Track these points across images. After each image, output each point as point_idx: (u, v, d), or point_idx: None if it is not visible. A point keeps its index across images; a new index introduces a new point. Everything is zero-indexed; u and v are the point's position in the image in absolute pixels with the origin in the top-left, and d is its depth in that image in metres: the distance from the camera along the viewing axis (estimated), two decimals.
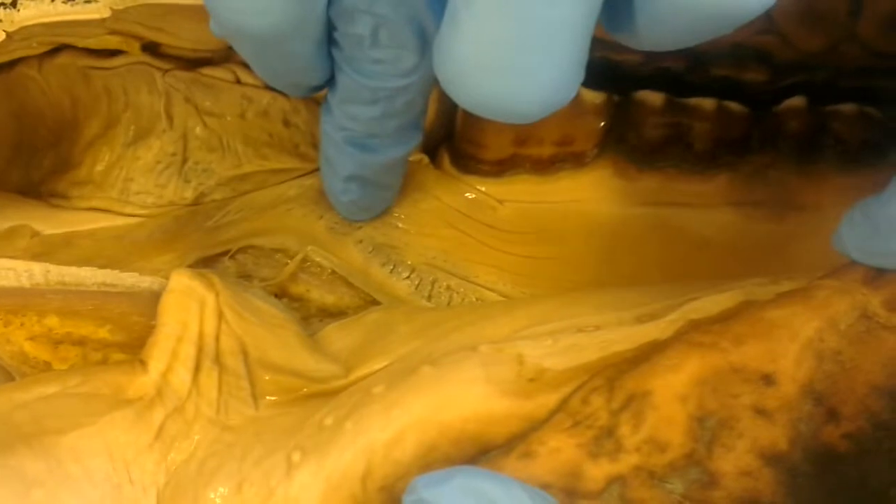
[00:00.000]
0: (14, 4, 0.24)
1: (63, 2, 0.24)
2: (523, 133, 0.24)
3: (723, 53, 0.23)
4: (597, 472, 0.16)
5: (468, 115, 0.24)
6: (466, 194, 0.24)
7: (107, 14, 0.23)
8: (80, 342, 0.21)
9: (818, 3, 0.22)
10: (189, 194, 0.25)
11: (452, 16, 0.16)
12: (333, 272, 0.23)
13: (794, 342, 0.16)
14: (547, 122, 0.20)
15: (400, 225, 0.24)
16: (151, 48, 0.25)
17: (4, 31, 0.24)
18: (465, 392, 0.18)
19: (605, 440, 0.16)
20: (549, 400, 0.17)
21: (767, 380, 0.16)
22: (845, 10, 0.22)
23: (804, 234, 0.23)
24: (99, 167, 0.27)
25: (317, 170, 0.24)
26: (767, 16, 0.21)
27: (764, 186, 0.23)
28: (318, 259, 0.23)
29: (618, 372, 0.17)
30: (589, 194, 0.24)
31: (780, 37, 0.22)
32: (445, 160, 0.25)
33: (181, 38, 0.24)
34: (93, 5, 0.24)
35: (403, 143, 0.22)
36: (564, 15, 0.15)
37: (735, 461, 0.16)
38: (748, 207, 0.24)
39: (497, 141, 0.24)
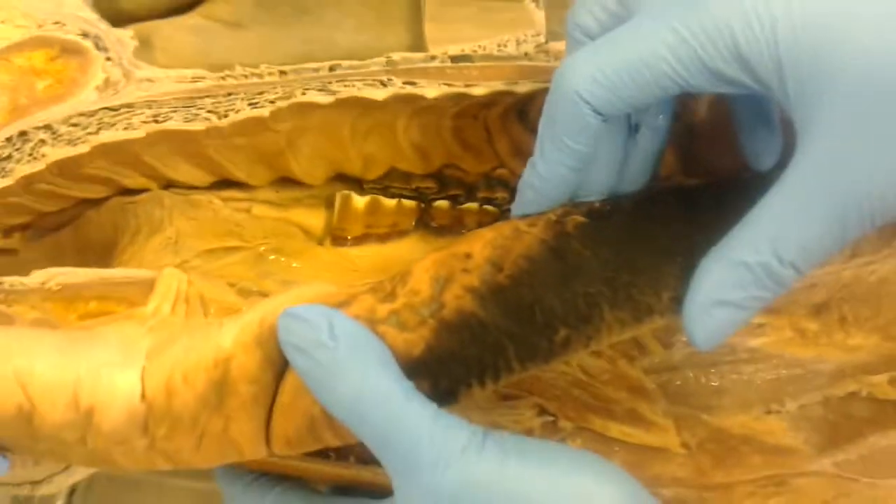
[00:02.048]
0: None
1: None
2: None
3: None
4: (383, 309, 0.31)
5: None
6: None
7: None
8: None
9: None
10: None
11: None
12: None
13: (481, 239, 0.32)
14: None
15: None
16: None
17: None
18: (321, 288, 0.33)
19: (388, 295, 0.31)
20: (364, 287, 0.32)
21: (468, 255, 0.31)
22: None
23: None
24: (125, 257, 0.43)
25: None
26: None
27: None
28: None
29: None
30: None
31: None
32: None
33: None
34: None
35: None
36: None
37: (453, 295, 0.30)
38: None
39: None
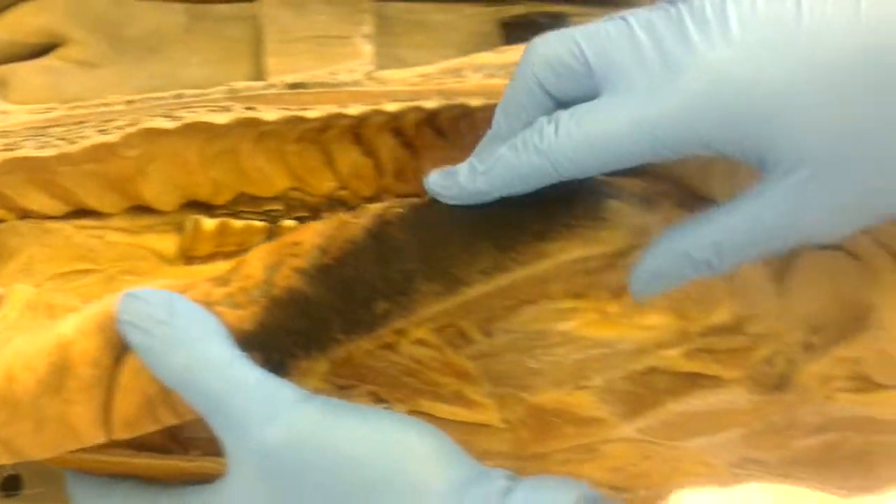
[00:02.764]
0: None
1: None
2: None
3: None
4: (218, 292, 0.34)
5: None
6: None
7: None
8: None
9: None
10: None
11: None
12: None
13: (309, 230, 0.35)
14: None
15: None
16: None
17: None
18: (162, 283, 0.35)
19: (224, 281, 0.34)
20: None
21: (297, 244, 0.34)
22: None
23: None
24: None
25: None
26: None
27: None
28: None
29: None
30: None
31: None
32: None
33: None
34: None
35: None
36: None
37: (282, 276, 0.34)
38: None
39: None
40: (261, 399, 0.30)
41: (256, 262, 0.34)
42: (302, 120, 0.41)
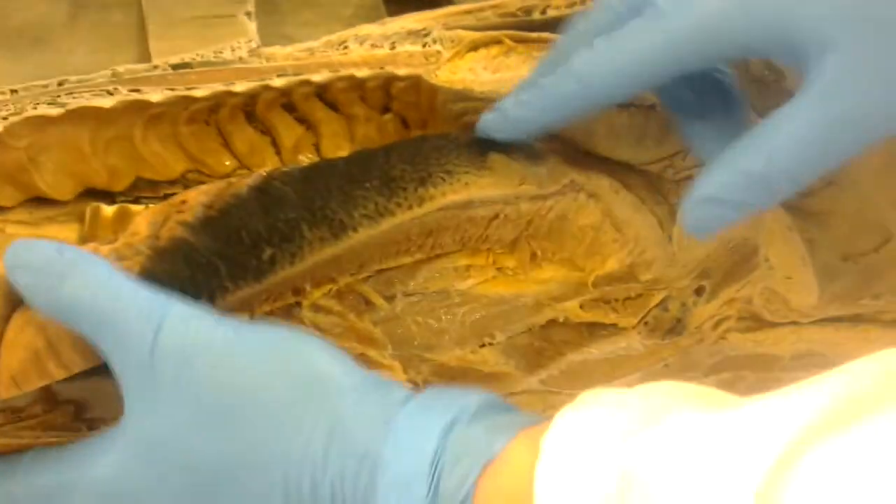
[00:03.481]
0: None
1: None
2: None
3: None
4: (105, 249, 0.33)
5: None
6: None
7: None
8: None
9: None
10: None
11: None
12: None
13: (196, 190, 0.35)
14: None
15: None
16: None
17: None
18: None
19: (111, 240, 0.34)
20: None
21: (183, 202, 0.35)
22: None
23: None
24: None
25: None
26: None
27: None
28: None
29: None
30: None
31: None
32: None
33: None
34: None
35: None
36: None
37: (168, 229, 0.34)
38: None
39: None
40: (148, 308, 0.30)
41: (142, 220, 0.34)
42: (189, 99, 0.41)
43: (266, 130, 0.45)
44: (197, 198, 0.34)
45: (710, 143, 0.36)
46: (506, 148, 0.38)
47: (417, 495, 0.28)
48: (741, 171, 0.31)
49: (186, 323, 0.30)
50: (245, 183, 0.35)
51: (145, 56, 0.43)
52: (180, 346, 0.29)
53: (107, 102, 0.40)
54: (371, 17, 0.46)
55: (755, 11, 0.31)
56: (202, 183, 0.47)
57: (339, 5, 0.46)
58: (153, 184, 0.46)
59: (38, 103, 0.41)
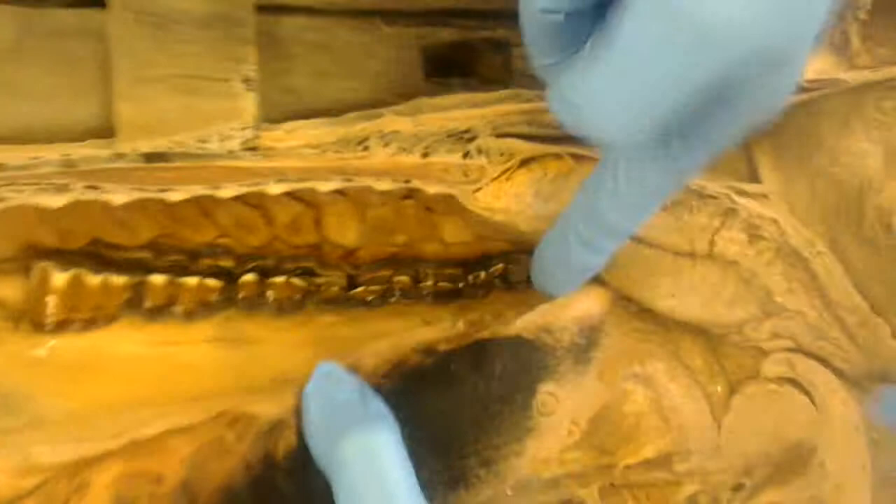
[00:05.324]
0: None
1: None
2: None
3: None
4: None
5: None
6: None
7: None
8: None
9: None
10: None
11: None
12: None
13: (176, 456, 0.29)
14: None
15: None
16: None
17: None
18: None
19: None
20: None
21: (160, 478, 0.28)
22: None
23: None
24: None
25: None
26: None
27: None
28: None
29: None
30: None
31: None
32: None
33: None
34: None
35: None
36: None
37: None
38: None
39: None
40: None
41: (103, 491, 0.27)
42: (160, 203, 0.33)
43: (256, 206, 0.37)
44: (178, 473, 0.28)
45: None
46: None
47: None
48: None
49: None
50: (241, 457, 0.28)
51: (108, 115, 0.34)
52: None
53: (56, 202, 0.32)
54: (403, 77, 0.36)
55: None
56: (176, 248, 0.39)
57: (364, 55, 0.35)
58: (114, 246, 0.38)
59: None
